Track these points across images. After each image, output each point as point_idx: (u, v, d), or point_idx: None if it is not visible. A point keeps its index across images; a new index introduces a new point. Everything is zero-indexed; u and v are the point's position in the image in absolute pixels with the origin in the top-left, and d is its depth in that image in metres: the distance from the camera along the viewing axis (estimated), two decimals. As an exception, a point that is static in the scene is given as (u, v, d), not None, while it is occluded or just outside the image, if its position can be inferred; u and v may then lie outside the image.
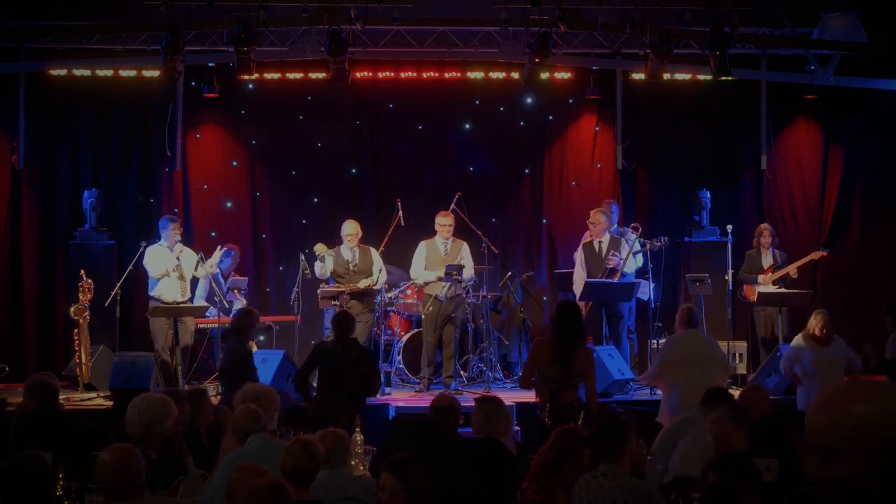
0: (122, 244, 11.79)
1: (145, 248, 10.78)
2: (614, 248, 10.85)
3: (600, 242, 10.91)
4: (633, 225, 11.26)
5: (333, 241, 10.94)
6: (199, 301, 11.13)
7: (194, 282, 11.21)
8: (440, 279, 10.65)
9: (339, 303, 10.43)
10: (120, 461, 4.42)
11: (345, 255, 10.66)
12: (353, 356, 8.58)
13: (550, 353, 7.53)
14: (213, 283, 11.07)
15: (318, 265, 10.65)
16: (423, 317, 10.94)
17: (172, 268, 10.69)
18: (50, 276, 12.10)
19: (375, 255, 10.84)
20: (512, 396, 9.89)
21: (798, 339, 9.01)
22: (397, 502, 4.29)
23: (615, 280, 10.75)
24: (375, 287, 10.65)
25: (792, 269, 11.35)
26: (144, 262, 10.74)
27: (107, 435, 6.84)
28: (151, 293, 10.80)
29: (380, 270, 10.72)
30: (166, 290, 10.71)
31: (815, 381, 8.73)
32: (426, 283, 10.84)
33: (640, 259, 11.06)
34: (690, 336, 8.44)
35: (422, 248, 10.94)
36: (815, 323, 8.87)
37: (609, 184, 12.72)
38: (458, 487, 5.67)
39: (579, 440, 5.19)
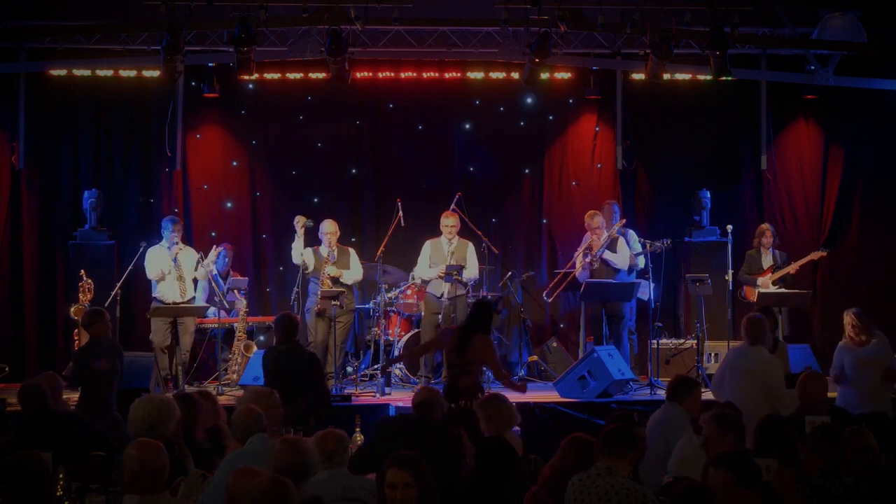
0: (122, 244, 11.79)
1: (145, 248, 10.80)
2: (611, 248, 10.91)
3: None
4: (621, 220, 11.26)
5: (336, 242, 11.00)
6: (200, 302, 11.14)
7: (196, 282, 11.23)
8: (441, 276, 10.69)
9: (339, 303, 10.45)
10: (144, 456, 4.60)
11: (323, 255, 10.70)
12: (305, 356, 8.66)
13: (454, 342, 8.35)
14: (213, 284, 11.08)
15: (295, 245, 10.70)
16: (422, 316, 10.98)
17: (168, 270, 10.69)
18: (50, 276, 12.09)
19: (354, 254, 10.95)
20: (512, 396, 9.88)
21: (841, 342, 8.86)
22: (409, 496, 4.29)
23: (609, 278, 10.78)
24: (342, 279, 10.69)
25: (792, 269, 11.34)
26: (144, 262, 10.77)
27: (106, 434, 6.86)
28: (154, 294, 10.82)
29: (352, 268, 10.83)
30: (166, 290, 10.73)
31: (850, 381, 8.57)
32: (428, 282, 10.86)
33: (641, 260, 11.07)
34: (748, 351, 8.08)
35: (426, 247, 11.00)
36: (846, 325, 8.77)
37: (609, 184, 12.72)
38: (454, 481, 5.68)
39: (590, 449, 5.20)
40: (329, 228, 10.82)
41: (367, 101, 12.67)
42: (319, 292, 10.57)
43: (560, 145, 12.86)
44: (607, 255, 10.86)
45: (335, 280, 10.67)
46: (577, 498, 4.91)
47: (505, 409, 6.36)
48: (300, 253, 10.76)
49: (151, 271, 10.74)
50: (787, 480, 5.00)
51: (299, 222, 10.75)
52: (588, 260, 10.81)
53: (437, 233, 11.12)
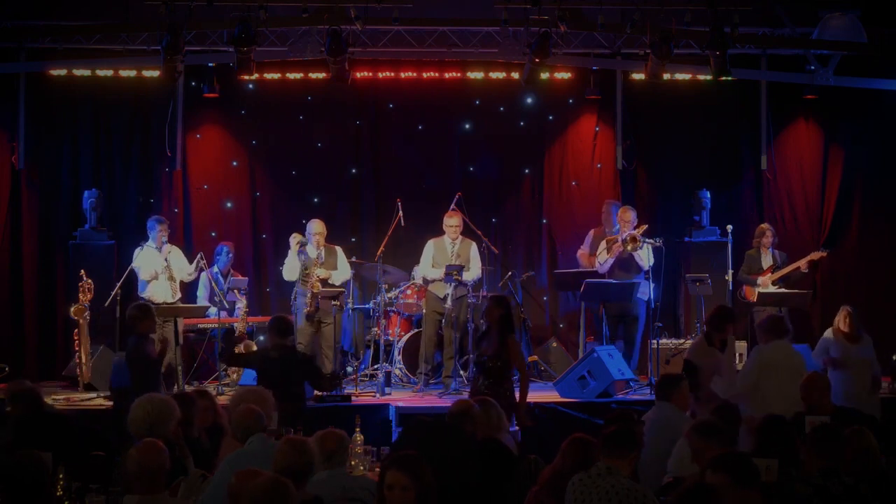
0: (122, 244, 11.78)
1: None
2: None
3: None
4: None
5: (335, 242, 11.01)
6: (202, 302, 11.16)
7: (194, 282, 11.26)
8: (441, 278, 10.70)
9: (339, 303, 10.45)
10: (143, 456, 4.65)
11: (311, 255, 10.68)
12: (297, 358, 8.69)
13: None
14: (213, 284, 11.10)
15: (289, 262, 10.68)
16: (423, 314, 11.00)
17: (161, 269, 10.71)
18: (50, 276, 12.09)
19: (341, 253, 10.93)
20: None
21: (828, 332, 8.98)
22: (407, 498, 4.29)
23: (625, 278, 10.88)
24: (331, 280, 10.68)
25: (799, 265, 11.33)
26: (134, 264, 10.79)
27: (103, 434, 6.87)
28: (141, 294, 10.82)
29: (340, 267, 10.83)
30: (156, 291, 10.75)
31: (842, 373, 8.70)
32: (430, 282, 10.87)
33: (651, 257, 11.07)
34: (777, 347, 8.14)
35: (429, 247, 11.00)
36: (839, 319, 8.87)
37: (609, 184, 12.73)
38: (468, 488, 5.67)
39: (590, 449, 5.20)
40: (317, 229, 10.78)
41: (367, 101, 12.66)
42: (308, 294, 10.54)
43: (560, 145, 12.86)
44: (639, 252, 10.93)
45: (324, 281, 10.66)
46: (577, 498, 4.91)
47: (496, 412, 6.38)
48: (293, 269, 10.69)
49: (145, 272, 10.76)
50: None
51: (294, 239, 10.69)
52: (621, 241, 10.86)
53: (437, 232, 11.12)
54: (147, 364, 8.42)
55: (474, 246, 11.03)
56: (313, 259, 10.64)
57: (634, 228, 11.01)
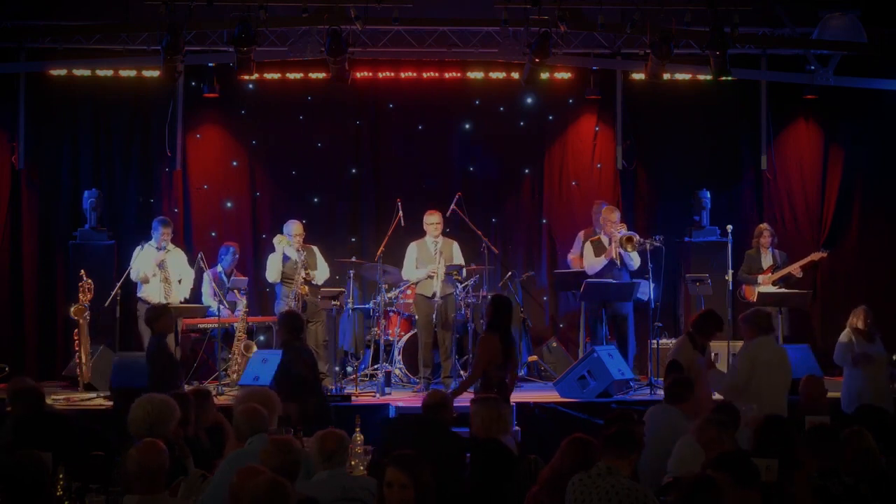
0: (122, 244, 11.79)
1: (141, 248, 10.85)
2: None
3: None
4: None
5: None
6: (208, 300, 11.17)
7: (197, 282, 11.26)
8: (431, 276, 10.68)
9: (339, 303, 10.45)
10: (143, 456, 4.65)
11: (291, 256, 10.69)
12: (312, 356, 8.75)
13: (499, 346, 8.40)
14: (215, 285, 11.10)
15: (272, 264, 10.71)
16: (416, 320, 10.98)
17: (152, 272, 10.72)
18: (50, 276, 12.10)
19: (319, 252, 10.97)
20: (512, 396, 9.89)
21: (845, 335, 9.03)
22: (405, 497, 4.30)
23: (617, 278, 10.82)
24: (314, 281, 10.73)
25: (794, 269, 11.37)
26: (131, 262, 10.80)
27: (103, 434, 6.87)
28: (139, 294, 10.85)
29: (320, 267, 10.89)
30: (150, 292, 10.78)
31: (860, 373, 8.74)
32: (417, 282, 10.87)
33: (638, 258, 11.07)
34: (764, 343, 8.16)
35: (412, 249, 10.99)
36: (858, 318, 8.93)
37: (609, 184, 12.72)
38: (459, 484, 5.69)
39: (590, 449, 5.21)
40: (297, 230, 10.78)
41: (367, 101, 12.67)
42: (295, 293, 10.53)
43: (560, 145, 12.86)
44: (632, 253, 10.93)
45: (308, 282, 10.66)
46: (577, 498, 4.91)
47: (501, 412, 6.39)
48: (277, 271, 10.74)
49: (136, 273, 10.77)
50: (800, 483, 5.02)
51: (281, 242, 10.72)
52: (618, 241, 10.87)
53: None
54: (166, 363, 8.45)
55: (456, 244, 11.06)
56: (297, 260, 10.64)
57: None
